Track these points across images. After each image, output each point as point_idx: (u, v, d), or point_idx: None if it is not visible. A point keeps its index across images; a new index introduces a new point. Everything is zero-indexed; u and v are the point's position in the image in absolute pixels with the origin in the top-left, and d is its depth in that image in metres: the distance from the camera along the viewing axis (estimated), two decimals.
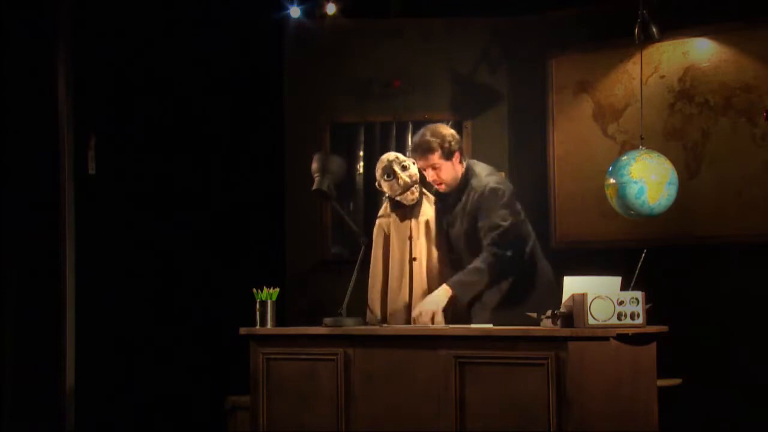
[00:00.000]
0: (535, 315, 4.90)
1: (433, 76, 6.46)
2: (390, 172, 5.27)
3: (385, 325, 5.17)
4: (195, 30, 6.77)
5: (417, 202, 5.34)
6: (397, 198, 5.31)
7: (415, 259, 5.28)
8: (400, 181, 5.27)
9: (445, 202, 5.36)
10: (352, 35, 6.56)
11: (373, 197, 6.55)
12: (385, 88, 6.50)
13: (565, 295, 4.52)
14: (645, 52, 5.83)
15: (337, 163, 5.35)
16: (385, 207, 5.44)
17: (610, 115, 6.18)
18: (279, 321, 5.25)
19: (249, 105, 6.94)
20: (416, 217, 5.34)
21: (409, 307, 5.21)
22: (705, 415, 5.67)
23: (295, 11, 6.50)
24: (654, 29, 5.49)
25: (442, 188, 5.33)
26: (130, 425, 6.60)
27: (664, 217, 5.15)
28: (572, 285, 4.53)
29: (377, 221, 5.42)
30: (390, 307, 5.28)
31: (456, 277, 5.11)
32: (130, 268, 6.63)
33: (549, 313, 4.55)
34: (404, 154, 5.40)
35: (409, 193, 5.32)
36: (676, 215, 5.49)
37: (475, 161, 5.38)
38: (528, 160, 6.37)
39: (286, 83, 6.65)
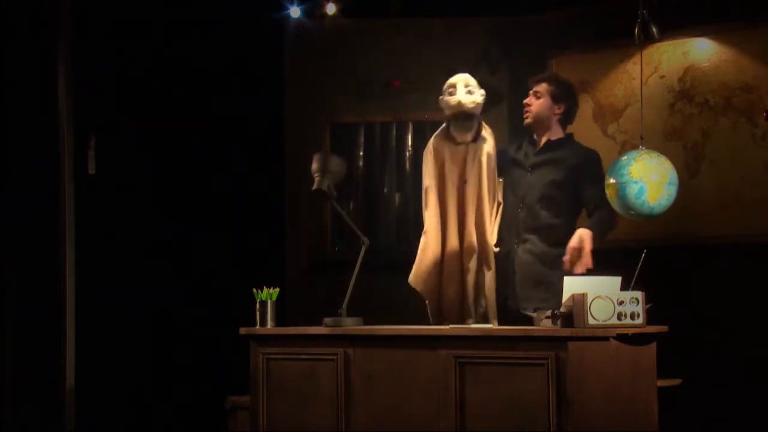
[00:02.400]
0: (535, 315, 4.90)
1: (433, 76, 6.45)
2: (452, 88, 5.20)
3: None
4: (195, 30, 6.77)
5: (475, 137, 5.25)
6: (448, 113, 5.22)
7: (465, 181, 5.22)
8: (458, 100, 5.17)
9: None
10: (352, 35, 6.56)
11: (373, 197, 6.55)
12: (385, 88, 6.51)
13: (565, 295, 4.52)
14: (645, 52, 5.83)
15: (337, 163, 5.34)
16: (439, 132, 5.32)
17: (610, 115, 6.18)
18: (279, 321, 5.25)
19: (249, 105, 6.93)
20: (473, 149, 5.24)
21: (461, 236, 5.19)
22: (705, 415, 5.67)
23: (295, 11, 6.51)
24: (654, 29, 5.49)
25: (528, 118, 5.41)
26: (130, 425, 6.60)
27: (664, 217, 5.14)
28: (572, 285, 4.53)
29: (429, 147, 5.32)
30: (450, 238, 5.22)
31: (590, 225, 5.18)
32: (130, 268, 6.63)
33: (549, 313, 4.55)
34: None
35: (462, 113, 5.19)
36: (676, 215, 5.48)
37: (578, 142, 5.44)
38: None
39: (286, 83, 6.65)
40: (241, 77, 6.91)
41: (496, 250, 5.19)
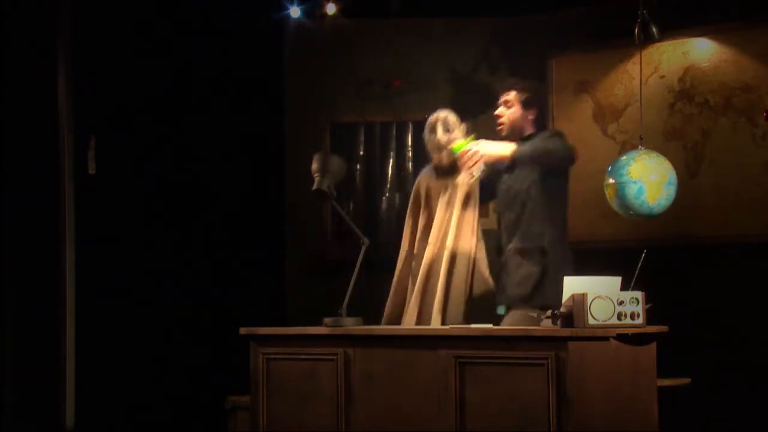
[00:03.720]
0: (535, 315, 4.89)
1: (433, 76, 6.46)
2: (432, 129, 5.21)
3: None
4: (195, 30, 6.77)
5: (456, 170, 5.24)
6: (433, 157, 5.24)
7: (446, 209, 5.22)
8: (437, 140, 5.19)
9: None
10: (352, 35, 6.56)
11: (373, 197, 6.55)
12: (385, 88, 6.51)
13: (565, 295, 4.52)
14: (645, 52, 5.83)
15: (337, 163, 5.34)
16: (427, 170, 5.37)
17: (610, 115, 6.19)
18: (279, 321, 5.25)
19: (249, 105, 6.94)
20: (455, 181, 5.25)
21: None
22: (705, 415, 5.67)
23: (295, 11, 6.51)
24: (654, 29, 5.49)
25: (502, 129, 5.33)
26: (130, 425, 6.60)
27: (664, 217, 5.15)
28: (572, 285, 4.53)
29: (417, 181, 5.37)
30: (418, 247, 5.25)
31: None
32: (130, 268, 6.63)
33: (549, 313, 4.55)
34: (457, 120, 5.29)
35: (444, 155, 5.22)
36: (676, 215, 5.49)
37: (555, 134, 5.37)
38: None
39: (286, 83, 6.65)
40: (241, 77, 6.90)
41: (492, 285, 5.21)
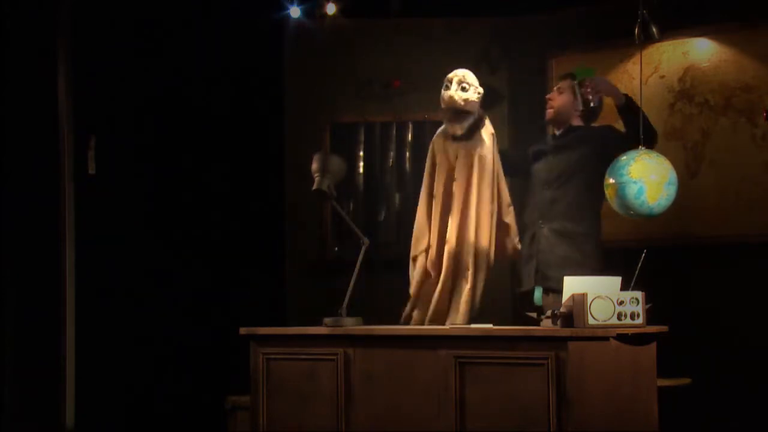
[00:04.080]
0: (535, 315, 4.90)
1: (433, 76, 6.45)
2: (448, 83, 5.10)
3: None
4: (195, 30, 6.77)
5: (468, 134, 5.11)
6: (446, 118, 5.10)
7: (455, 179, 5.08)
8: (450, 95, 5.05)
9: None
10: (352, 35, 6.56)
11: (373, 197, 6.55)
12: (385, 88, 6.51)
13: (565, 295, 4.52)
14: (645, 52, 5.83)
15: (337, 163, 5.34)
16: (440, 129, 5.24)
17: (610, 115, 6.18)
18: (279, 321, 5.25)
19: (249, 105, 6.93)
20: (466, 148, 5.11)
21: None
22: (706, 415, 5.66)
23: (295, 11, 6.51)
24: (654, 29, 5.48)
25: (550, 113, 5.48)
26: (130, 425, 6.60)
27: (664, 217, 5.14)
28: (572, 285, 4.53)
29: (431, 145, 5.27)
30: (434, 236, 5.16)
31: None
32: (130, 268, 6.63)
33: (549, 313, 4.55)
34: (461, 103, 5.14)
35: (454, 110, 5.08)
36: (676, 215, 5.48)
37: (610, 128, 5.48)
38: None
39: (286, 83, 6.65)
40: (241, 77, 6.90)
41: (518, 246, 5.16)
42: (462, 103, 5.04)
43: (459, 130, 5.08)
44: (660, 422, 4.62)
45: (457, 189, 5.08)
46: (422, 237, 5.19)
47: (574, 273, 4.84)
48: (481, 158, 5.06)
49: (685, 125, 5.95)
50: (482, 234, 5.04)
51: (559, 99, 5.47)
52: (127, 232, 6.63)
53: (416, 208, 5.25)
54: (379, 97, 6.51)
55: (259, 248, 6.86)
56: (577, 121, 5.49)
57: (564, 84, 5.49)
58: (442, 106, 5.14)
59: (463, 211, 5.06)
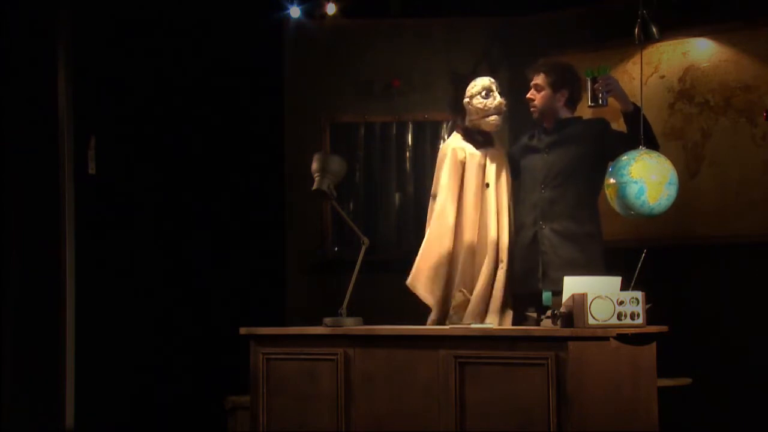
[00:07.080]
0: (535, 315, 4.89)
1: (433, 76, 6.46)
2: (489, 91, 5.37)
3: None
4: (195, 30, 6.77)
5: (490, 143, 5.46)
6: (482, 120, 5.38)
7: (488, 185, 5.36)
8: (499, 101, 5.38)
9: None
10: (352, 35, 6.56)
11: (373, 197, 6.55)
12: (385, 88, 6.51)
13: (565, 295, 4.52)
14: (645, 52, 5.82)
15: (337, 163, 5.34)
16: (456, 135, 5.50)
17: (610, 115, 6.18)
18: (279, 321, 5.25)
19: (249, 105, 6.93)
20: (492, 153, 5.44)
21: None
22: (705, 415, 5.67)
23: (295, 11, 6.50)
24: (654, 29, 5.48)
25: (535, 113, 5.46)
26: (130, 425, 6.60)
27: (664, 217, 5.14)
28: (572, 285, 4.53)
29: (445, 148, 5.49)
30: (466, 236, 5.33)
31: None
32: (130, 267, 6.63)
33: (549, 313, 4.55)
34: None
35: (493, 118, 5.38)
36: (676, 215, 5.48)
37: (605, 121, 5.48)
38: None
39: (286, 83, 6.65)
40: (241, 77, 6.90)
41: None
42: (496, 108, 5.39)
43: (494, 126, 5.41)
44: (660, 422, 4.62)
45: (494, 188, 5.36)
46: (445, 236, 5.33)
47: (581, 274, 4.85)
48: (504, 158, 5.45)
49: (685, 125, 5.95)
50: (503, 231, 5.35)
51: (539, 97, 5.42)
52: (127, 232, 6.63)
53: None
54: (379, 97, 6.51)
55: (259, 248, 6.86)
56: (564, 112, 5.44)
57: (539, 80, 5.42)
58: (490, 113, 5.37)
59: (498, 208, 5.36)
